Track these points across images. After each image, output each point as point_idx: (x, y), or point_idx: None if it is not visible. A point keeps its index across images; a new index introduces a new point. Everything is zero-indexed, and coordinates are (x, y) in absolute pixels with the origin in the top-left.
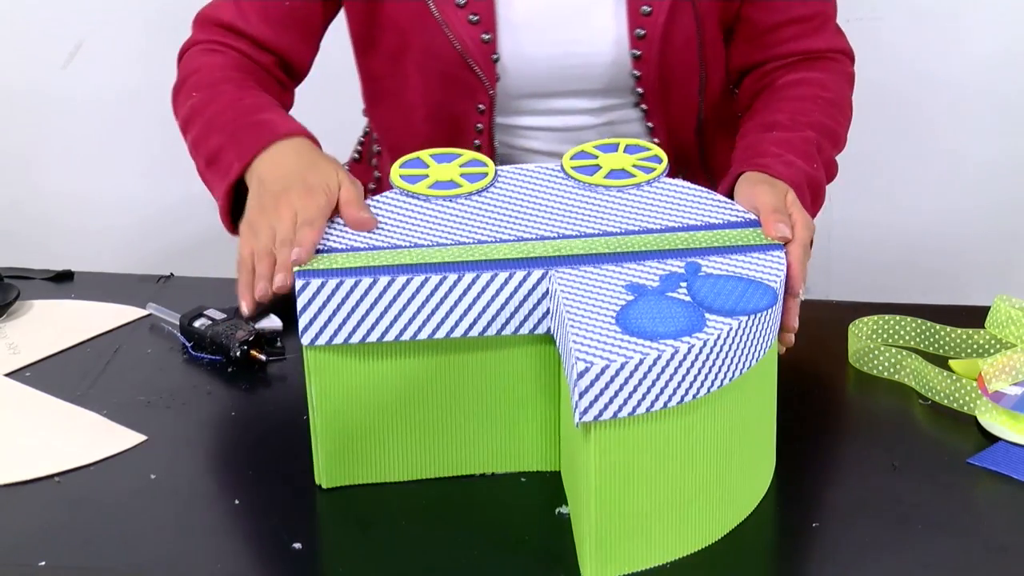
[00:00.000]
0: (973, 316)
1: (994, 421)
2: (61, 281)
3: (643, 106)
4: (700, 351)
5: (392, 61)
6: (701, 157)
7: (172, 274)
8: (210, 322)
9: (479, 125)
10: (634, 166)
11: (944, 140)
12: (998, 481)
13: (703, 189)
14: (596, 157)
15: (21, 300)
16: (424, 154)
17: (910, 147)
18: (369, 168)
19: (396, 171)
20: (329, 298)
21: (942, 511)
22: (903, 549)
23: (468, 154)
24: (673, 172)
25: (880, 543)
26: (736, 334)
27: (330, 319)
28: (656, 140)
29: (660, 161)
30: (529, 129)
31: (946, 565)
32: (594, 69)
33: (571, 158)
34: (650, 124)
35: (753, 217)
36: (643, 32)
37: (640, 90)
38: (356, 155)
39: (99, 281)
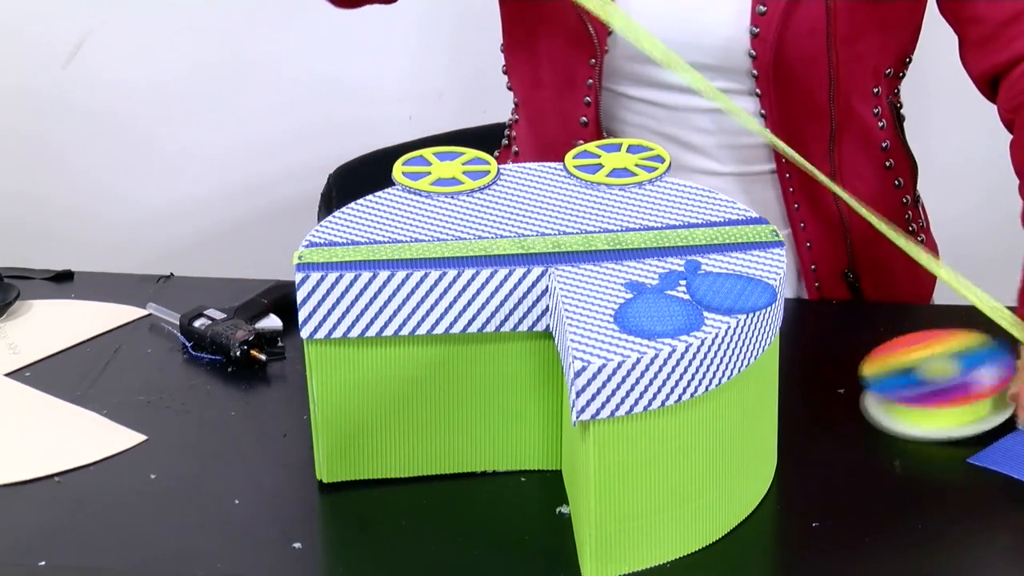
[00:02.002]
0: (973, 316)
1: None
2: (61, 281)
3: (757, 90)
4: (698, 350)
5: (521, 8)
6: (832, 174)
7: (172, 274)
8: (210, 322)
9: (589, 80)
10: (636, 165)
11: (944, 139)
12: (998, 481)
13: (704, 188)
14: (598, 156)
15: (21, 300)
16: (427, 152)
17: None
18: (509, 148)
19: (399, 168)
20: (329, 291)
21: (942, 511)
22: (903, 549)
23: (471, 152)
24: (796, 185)
25: (880, 543)
26: (734, 333)
27: (329, 312)
28: (768, 128)
29: (662, 161)
30: (638, 101)
31: (947, 565)
32: (709, 39)
33: (573, 157)
34: (763, 111)
35: (754, 215)
36: (764, 9)
37: (755, 72)
38: (504, 142)
39: (99, 281)
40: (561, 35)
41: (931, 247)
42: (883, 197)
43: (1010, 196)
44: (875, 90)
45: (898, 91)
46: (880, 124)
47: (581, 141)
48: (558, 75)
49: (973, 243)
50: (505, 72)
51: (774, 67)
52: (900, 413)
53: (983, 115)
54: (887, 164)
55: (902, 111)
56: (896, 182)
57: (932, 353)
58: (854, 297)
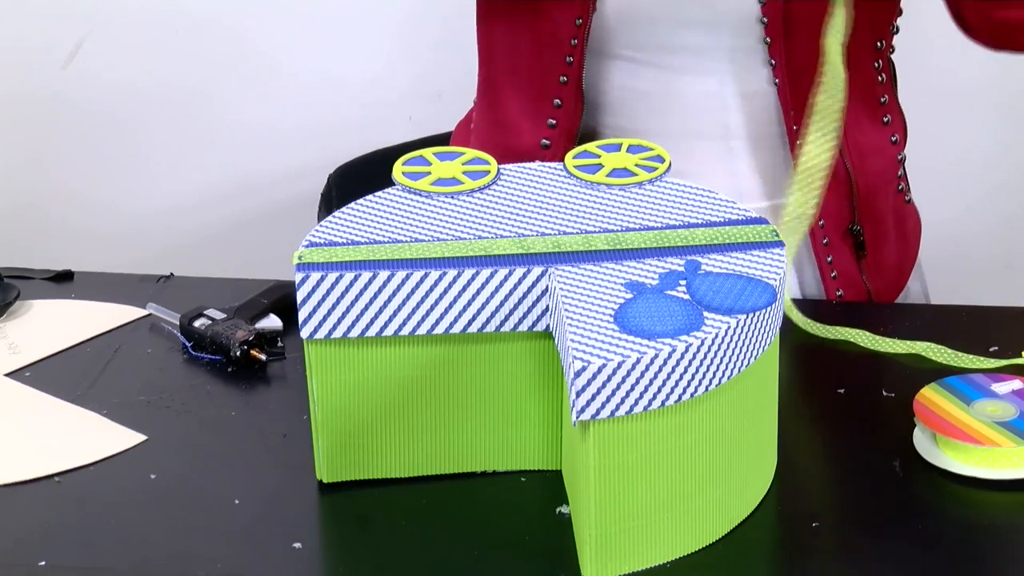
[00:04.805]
0: (973, 317)
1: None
2: (61, 281)
3: (767, 38)
4: (698, 350)
5: None
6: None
7: (172, 274)
8: (210, 322)
9: (574, 40)
10: (636, 165)
11: (944, 139)
12: (998, 481)
13: (704, 188)
14: (598, 156)
15: (21, 300)
16: (427, 152)
17: (909, 147)
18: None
19: (399, 168)
20: (328, 292)
21: (943, 511)
22: (903, 549)
23: (471, 152)
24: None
25: (880, 543)
26: (734, 333)
27: (329, 312)
28: (777, 81)
29: (662, 161)
30: (633, 63)
31: (947, 566)
32: (717, 28)
33: (573, 157)
34: (772, 61)
35: (754, 215)
36: None
37: (765, 19)
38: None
39: (99, 281)
40: None
41: (915, 210)
42: (882, 152)
43: (1005, 199)
44: (878, 44)
45: (893, 48)
46: (880, 79)
47: (559, 101)
48: (539, 32)
49: (968, 244)
50: (478, 27)
51: (784, 9)
52: (952, 448)
53: (980, 117)
54: (885, 119)
55: (895, 71)
56: (892, 138)
57: None
58: (857, 253)
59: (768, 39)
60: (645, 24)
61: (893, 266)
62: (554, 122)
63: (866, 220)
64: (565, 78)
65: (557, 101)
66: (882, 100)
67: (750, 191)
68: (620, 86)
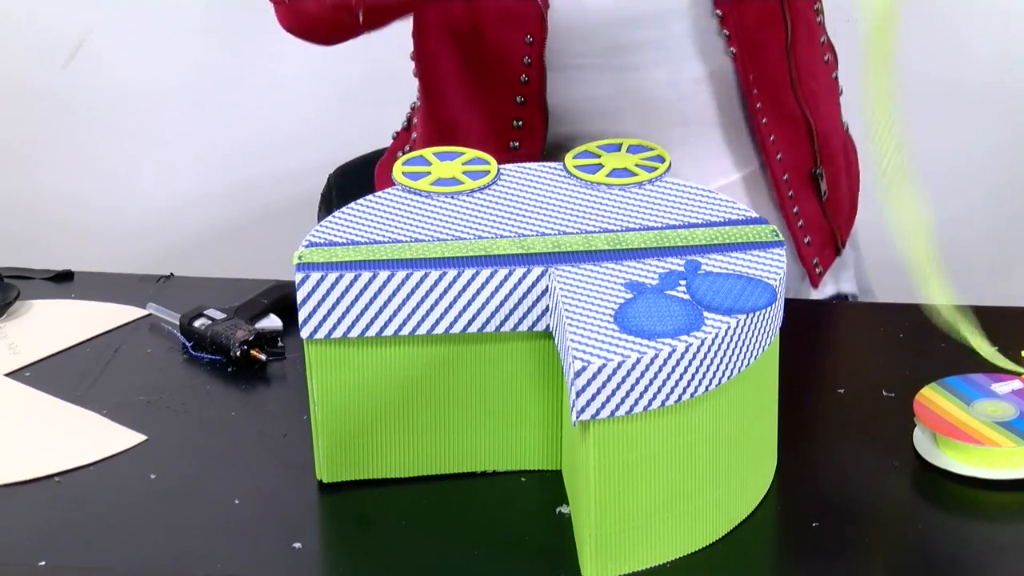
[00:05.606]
0: (973, 317)
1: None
2: (61, 281)
3: (718, 11)
4: (698, 350)
5: None
6: (790, 76)
7: (172, 274)
8: (210, 322)
9: (527, 58)
10: (636, 165)
11: (944, 140)
12: (998, 480)
13: (704, 188)
14: (598, 156)
15: (21, 300)
16: (427, 152)
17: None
18: (408, 133)
19: (399, 168)
20: (329, 291)
21: (942, 511)
22: (903, 549)
23: (471, 152)
24: (761, 94)
25: (880, 543)
26: (734, 333)
27: (329, 312)
28: (733, 51)
29: (662, 161)
30: (589, 70)
31: (947, 565)
32: (670, 16)
33: (573, 157)
34: (727, 32)
35: (754, 215)
36: None
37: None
38: (404, 124)
39: (99, 281)
40: (492, 10)
41: (850, 136)
42: (831, 91)
43: (1005, 199)
44: None
45: None
46: (819, 20)
47: (520, 122)
48: (487, 57)
49: (968, 244)
50: (413, 58)
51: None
52: (952, 448)
53: (980, 118)
54: (826, 59)
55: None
56: (834, 75)
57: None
58: (820, 195)
59: (719, 12)
60: (597, 28)
61: (847, 198)
62: (517, 144)
63: (825, 162)
64: (522, 98)
65: (519, 122)
66: (822, 40)
67: (719, 170)
68: (580, 95)
